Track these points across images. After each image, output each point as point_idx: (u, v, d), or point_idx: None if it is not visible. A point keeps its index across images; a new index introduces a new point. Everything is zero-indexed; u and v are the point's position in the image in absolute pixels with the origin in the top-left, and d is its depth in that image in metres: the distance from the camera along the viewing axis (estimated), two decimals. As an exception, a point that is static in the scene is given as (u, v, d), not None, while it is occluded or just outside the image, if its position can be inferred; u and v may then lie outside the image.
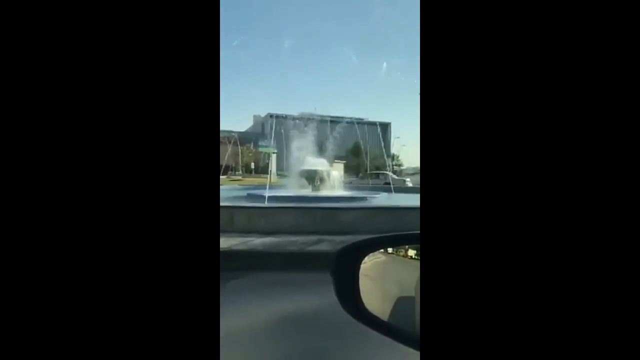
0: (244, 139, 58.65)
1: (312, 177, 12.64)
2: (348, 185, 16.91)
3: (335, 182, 13.62)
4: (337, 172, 14.12)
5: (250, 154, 54.69)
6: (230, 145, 46.01)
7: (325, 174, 12.81)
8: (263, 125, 65.87)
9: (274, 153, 29.97)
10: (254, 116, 73.97)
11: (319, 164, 14.59)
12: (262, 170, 44.27)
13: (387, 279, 1.00)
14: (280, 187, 14.45)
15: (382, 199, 11.53)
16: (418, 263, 0.95)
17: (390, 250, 0.99)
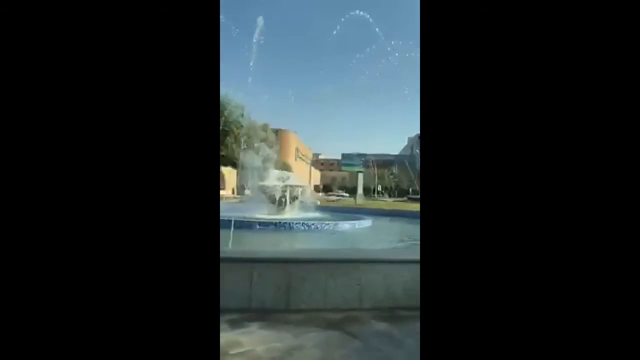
0: (397, 161, 60.23)
1: (273, 195, 11.12)
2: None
3: (302, 202, 11.69)
4: (309, 189, 12.71)
5: (391, 176, 55.61)
6: (374, 168, 47.86)
7: (287, 192, 11.18)
8: (412, 147, 66.09)
9: (359, 172, 29.76)
10: (408, 138, 74.75)
11: (285, 178, 12.54)
12: (400, 192, 44.88)
13: None
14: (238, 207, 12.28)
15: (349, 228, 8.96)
16: None
17: None
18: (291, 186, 11.60)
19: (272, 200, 11.37)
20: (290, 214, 10.98)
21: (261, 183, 11.97)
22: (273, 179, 12.48)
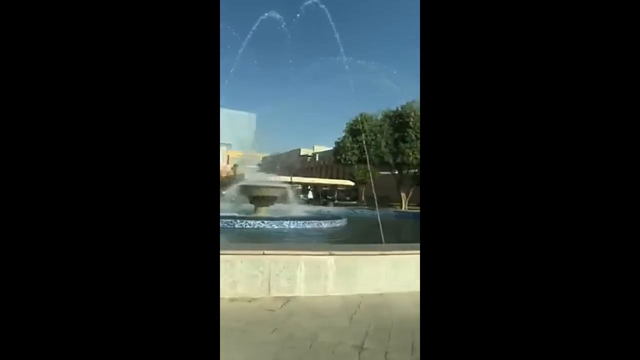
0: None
1: (252, 195, 11.08)
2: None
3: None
4: (291, 191, 12.67)
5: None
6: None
7: (269, 192, 11.13)
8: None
9: None
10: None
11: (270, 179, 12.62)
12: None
13: None
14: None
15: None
16: None
17: None
18: (267, 187, 11.31)
19: (253, 201, 11.26)
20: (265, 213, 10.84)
21: (242, 183, 11.83)
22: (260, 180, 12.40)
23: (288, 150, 55.86)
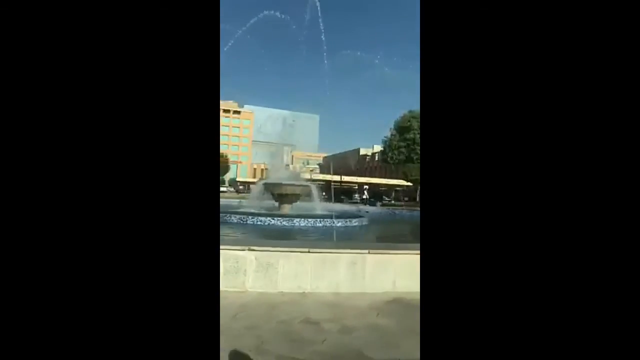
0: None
1: (276, 193, 11.27)
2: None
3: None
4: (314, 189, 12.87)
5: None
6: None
7: (292, 190, 11.22)
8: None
9: None
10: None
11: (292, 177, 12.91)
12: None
13: None
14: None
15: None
16: None
17: None
18: (289, 185, 11.42)
19: (277, 198, 11.43)
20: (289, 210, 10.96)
21: (266, 181, 12.05)
22: (280, 177, 12.55)
23: (347, 150, 55.57)
